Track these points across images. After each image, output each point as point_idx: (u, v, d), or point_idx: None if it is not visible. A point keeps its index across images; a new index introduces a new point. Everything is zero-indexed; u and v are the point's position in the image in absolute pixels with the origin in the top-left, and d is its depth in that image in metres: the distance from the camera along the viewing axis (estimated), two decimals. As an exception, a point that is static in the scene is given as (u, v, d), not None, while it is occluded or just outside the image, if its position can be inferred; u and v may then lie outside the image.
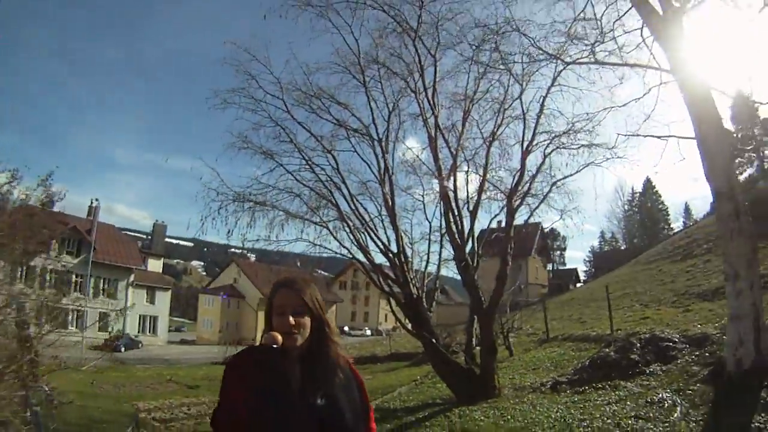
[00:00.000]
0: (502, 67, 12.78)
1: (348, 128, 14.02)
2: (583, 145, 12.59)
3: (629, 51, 10.28)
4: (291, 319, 2.12)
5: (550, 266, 78.34)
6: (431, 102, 13.33)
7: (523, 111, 13.05)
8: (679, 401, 7.38)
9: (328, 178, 13.74)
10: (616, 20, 10.09)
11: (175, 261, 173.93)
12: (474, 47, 12.99)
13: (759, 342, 6.89)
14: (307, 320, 2.16)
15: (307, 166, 13.76)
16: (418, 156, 15.46)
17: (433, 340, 12.03)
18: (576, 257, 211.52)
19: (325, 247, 13.70)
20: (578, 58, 11.34)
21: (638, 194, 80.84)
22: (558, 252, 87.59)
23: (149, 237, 69.86)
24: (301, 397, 2.04)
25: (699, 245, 31.83)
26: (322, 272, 60.54)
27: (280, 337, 2.07)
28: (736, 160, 56.06)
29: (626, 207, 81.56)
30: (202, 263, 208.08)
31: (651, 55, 9.49)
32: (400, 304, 13.08)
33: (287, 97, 13.66)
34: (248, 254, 61.68)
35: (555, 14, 11.57)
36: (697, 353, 9.22)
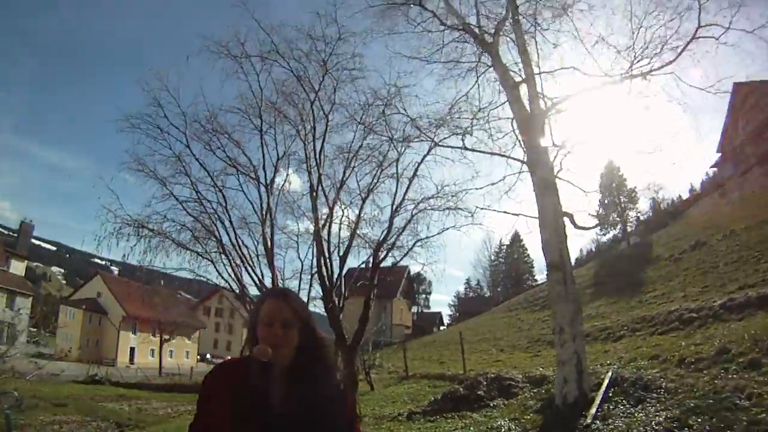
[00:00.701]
0: (384, 134, 14.09)
1: (238, 168, 14.61)
2: (448, 208, 14.22)
3: (501, 137, 11.81)
4: (280, 331, 2.05)
5: (414, 308, 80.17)
6: (317, 156, 14.32)
7: (397, 173, 14.52)
8: (513, 427, 8.42)
9: (214, 212, 14.26)
10: (492, 109, 11.72)
11: (35, 264, 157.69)
12: (362, 110, 14.27)
13: (581, 382, 8.17)
14: (295, 333, 2.09)
15: (197, 199, 14.21)
16: (296, 201, 16.17)
17: None
18: (441, 301, 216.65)
19: (206, 278, 14.18)
20: (446, 139, 12.93)
21: (506, 246, 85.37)
22: (423, 295, 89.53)
23: (14, 234, 62.91)
24: (282, 414, 1.98)
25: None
26: (186, 295, 58.69)
27: (270, 351, 1.98)
28: (601, 226, 62.27)
29: (492, 257, 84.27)
30: (62, 270, 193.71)
31: (518, 142, 10.93)
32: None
33: (189, 130, 14.28)
34: (111, 266, 58.46)
35: (443, 90, 13.24)
36: (535, 390, 10.41)
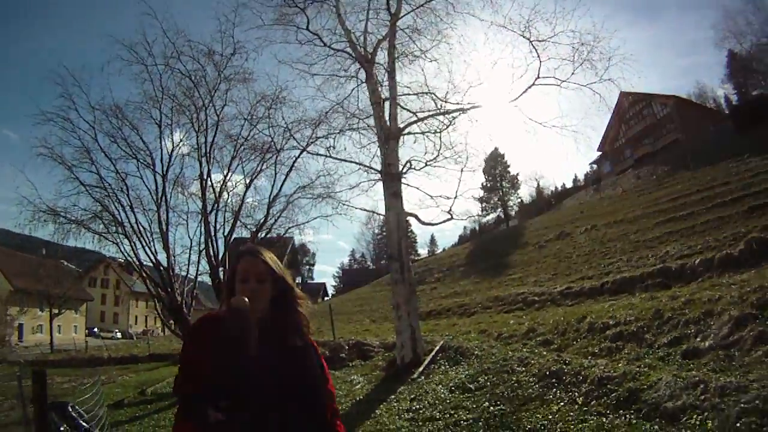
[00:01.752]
0: (266, 132, 15.66)
1: (139, 159, 15.48)
2: (320, 196, 15.83)
3: (367, 143, 13.32)
4: (255, 285, 2.21)
5: (299, 279, 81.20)
6: (207, 148, 15.58)
7: (275, 165, 16.04)
8: (362, 380, 10.28)
9: (116, 196, 15.09)
10: (365, 117, 13.31)
11: None
12: (251, 108, 15.79)
13: (415, 347, 10.10)
14: (267, 287, 2.25)
15: (100, 185, 15.12)
16: (188, 186, 17.29)
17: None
18: (327, 272, 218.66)
19: (103, 254, 15.11)
20: (316, 142, 14.55)
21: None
22: (308, 266, 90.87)
23: None
24: (260, 359, 2.14)
25: (432, 274, 37.15)
26: (69, 264, 55.87)
27: (244, 300, 2.14)
28: (483, 205, 66.30)
29: (376, 231, 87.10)
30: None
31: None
32: (166, 309, 14.80)
33: (96, 123, 15.01)
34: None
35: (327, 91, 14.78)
36: (387, 354, 12.07)
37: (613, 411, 5.30)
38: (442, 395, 7.37)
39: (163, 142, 15.77)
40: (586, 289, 15.66)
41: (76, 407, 7.44)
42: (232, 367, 2.05)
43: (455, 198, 11.99)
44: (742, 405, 4.41)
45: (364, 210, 13.74)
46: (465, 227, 78.29)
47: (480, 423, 5.93)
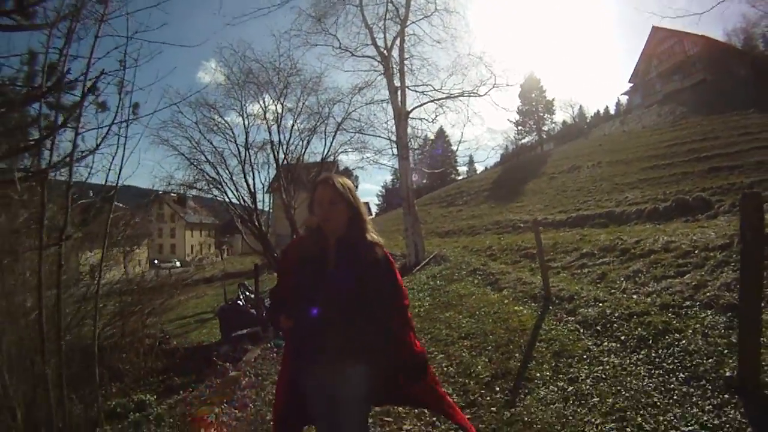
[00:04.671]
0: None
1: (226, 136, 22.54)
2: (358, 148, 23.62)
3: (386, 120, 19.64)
4: (327, 207, 2.75)
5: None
6: (279, 119, 22.70)
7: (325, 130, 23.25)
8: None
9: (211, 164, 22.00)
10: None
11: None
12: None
13: (417, 256, 16.37)
14: (342, 209, 2.76)
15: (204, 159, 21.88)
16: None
17: (276, 256, 20.04)
18: (371, 190, 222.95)
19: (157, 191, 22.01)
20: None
21: (431, 141, 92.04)
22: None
23: None
24: (335, 269, 2.71)
25: (462, 197, 42.16)
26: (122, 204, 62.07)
27: (315, 219, 2.75)
28: (519, 129, 70.69)
29: (417, 151, 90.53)
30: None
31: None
32: (253, 235, 21.39)
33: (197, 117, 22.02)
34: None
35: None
36: (403, 260, 17.74)
37: (496, 290, 10.92)
38: (423, 280, 13.30)
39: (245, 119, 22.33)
40: (555, 221, 21.01)
41: (246, 284, 13.21)
42: (306, 281, 2.72)
43: (459, 144, 18.81)
44: (566, 299, 9.69)
45: (385, 165, 20.86)
46: (507, 146, 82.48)
47: (429, 290, 11.98)
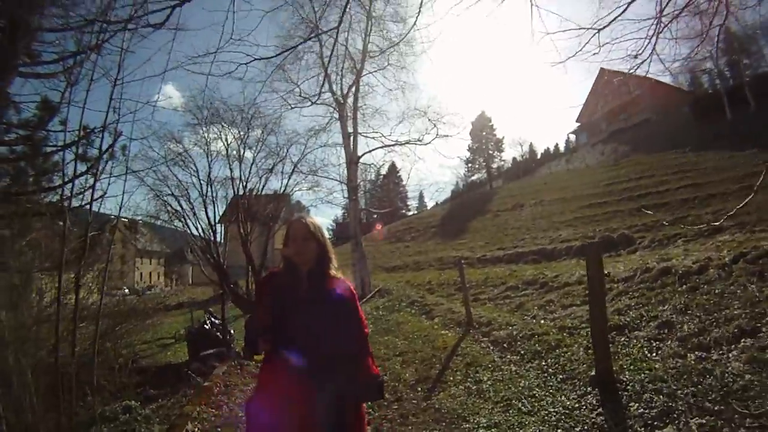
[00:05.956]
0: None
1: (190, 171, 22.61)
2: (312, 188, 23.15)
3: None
4: (300, 242, 3.03)
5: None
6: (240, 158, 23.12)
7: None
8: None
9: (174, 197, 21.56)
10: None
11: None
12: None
13: (364, 288, 17.84)
14: (312, 246, 3.04)
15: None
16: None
17: (232, 286, 20.82)
18: (323, 224, 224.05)
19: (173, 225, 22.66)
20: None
21: (382, 176, 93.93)
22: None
23: None
24: (306, 298, 2.97)
25: (410, 233, 43.57)
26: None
27: (289, 252, 3.06)
28: (470, 166, 73.38)
29: (368, 186, 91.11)
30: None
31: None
32: (210, 265, 22.09)
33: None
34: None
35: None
36: None
37: (429, 318, 12.59)
38: (367, 310, 14.61)
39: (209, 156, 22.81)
40: (494, 257, 22.60)
41: (212, 311, 13.62)
42: (281, 310, 2.91)
43: (407, 182, 20.89)
44: (485, 324, 11.37)
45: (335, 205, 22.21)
46: (458, 182, 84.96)
47: (373, 319, 13.30)
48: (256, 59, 5.40)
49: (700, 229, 6.86)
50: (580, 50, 5.65)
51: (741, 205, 4.61)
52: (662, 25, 5.38)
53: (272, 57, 8.99)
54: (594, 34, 5.52)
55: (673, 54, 6.11)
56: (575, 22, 12.43)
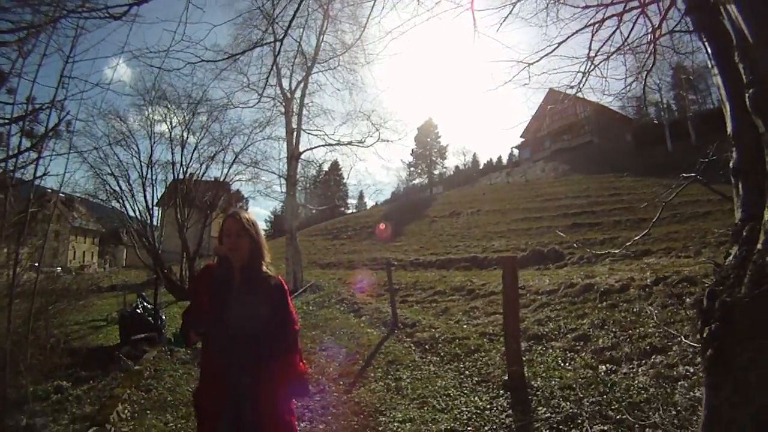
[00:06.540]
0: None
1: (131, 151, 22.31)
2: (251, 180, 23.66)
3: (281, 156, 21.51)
4: (234, 239, 3.10)
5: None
6: (183, 142, 22.95)
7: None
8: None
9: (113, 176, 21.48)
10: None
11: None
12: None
13: (296, 283, 18.00)
14: (246, 241, 3.11)
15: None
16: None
17: (165, 272, 20.52)
18: (261, 214, 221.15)
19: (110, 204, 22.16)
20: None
21: (324, 172, 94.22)
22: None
23: None
24: (238, 293, 3.04)
25: (347, 231, 43.78)
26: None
27: (223, 249, 3.13)
28: (412, 170, 74.20)
29: (308, 182, 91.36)
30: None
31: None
32: (144, 249, 21.45)
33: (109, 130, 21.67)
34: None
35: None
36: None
37: (357, 316, 12.92)
38: (297, 305, 14.71)
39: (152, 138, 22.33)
40: (425, 262, 23.08)
41: (145, 296, 13.07)
42: (215, 302, 2.99)
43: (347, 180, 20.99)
44: (409, 326, 12.42)
45: (275, 199, 22.06)
46: (399, 185, 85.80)
47: (302, 313, 13.44)
48: (203, 61, 5.56)
49: (609, 252, 7.41)
50: (510, 81, 6.07)
51: (639, 236, 5.07)
52: (593, 65, 5.86)
53: (219, 60, 8.85)
54: (524, 68, 5.97)
55: (604, 89, 6.63)
56: (517, 49, 13.05)
